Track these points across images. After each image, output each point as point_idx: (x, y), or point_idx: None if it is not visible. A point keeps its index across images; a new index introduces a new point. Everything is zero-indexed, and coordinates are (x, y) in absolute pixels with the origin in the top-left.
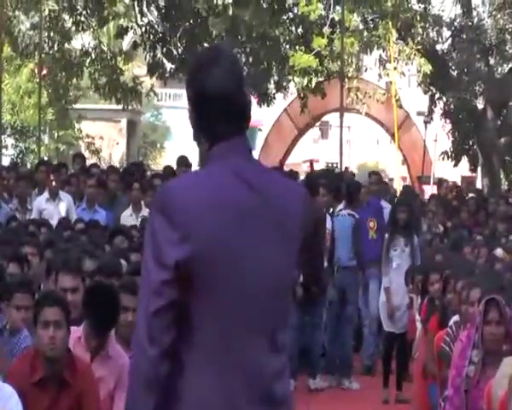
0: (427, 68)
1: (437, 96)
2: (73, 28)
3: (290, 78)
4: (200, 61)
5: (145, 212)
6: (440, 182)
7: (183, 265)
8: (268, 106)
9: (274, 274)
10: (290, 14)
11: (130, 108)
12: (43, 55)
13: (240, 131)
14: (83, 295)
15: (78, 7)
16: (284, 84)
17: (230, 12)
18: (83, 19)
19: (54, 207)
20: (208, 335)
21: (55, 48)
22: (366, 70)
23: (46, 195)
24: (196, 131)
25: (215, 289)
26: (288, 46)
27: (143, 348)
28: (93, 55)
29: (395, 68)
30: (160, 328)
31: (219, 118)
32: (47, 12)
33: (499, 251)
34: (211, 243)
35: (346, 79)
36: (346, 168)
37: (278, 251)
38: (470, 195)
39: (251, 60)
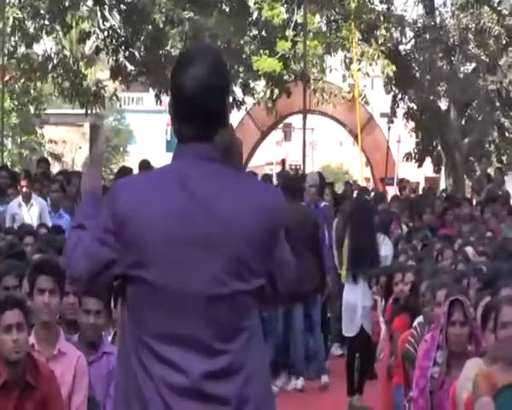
0: (391, 69)
1: (399, 96)
2: (37, 33)
3: (254, 84)
4: (180, 57)
5: None
6: (402, 183)
7: (116, 249)
8: (238, 110)
9: (206, 282)
10: (253, 18)
11: (93, 111)
12: (5, 61)
13: (204, 135)
14: None
15: (42, 12)
16: (251, 85)
17: (187, 26)
18: (47, 22)
19: (26, 212)
20: (135, 328)
21: (19, 52)
22: (331, 71)
23: (19, 199)
24: (172, 125)
25: (144, 286)
26: (251, 51)
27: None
28: (55, 61)
29: (359, 70)
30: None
31: (184, 119)
32: (11, 20)
33: (469, 249)
34: (139, 241)
35: (312, 81)
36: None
37: (213, 259)
38: (436, 195)
39: None
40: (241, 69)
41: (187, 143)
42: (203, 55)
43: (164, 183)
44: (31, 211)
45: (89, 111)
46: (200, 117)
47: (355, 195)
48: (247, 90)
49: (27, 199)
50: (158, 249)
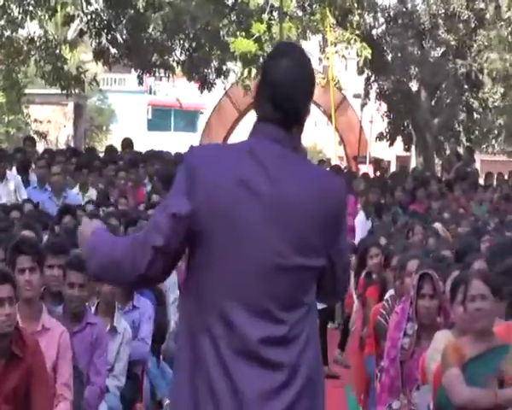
0: (367, 53)
1: (372, 78)
2: (22, 18)
3: (231, 65)
4: (276, 48)
5: (90, 192)
6: (377, 162)
7: (185, 218)
8: (209, 91)
9: (268, 252)
10: (230, 1)
11: (74, 93)
12: None
13: (281, 120)
14: None
15: None
16: (224, 69)
17: (167, 9)
18: (31, 8)
19: (2, 188)
20: (200, 293)
21: (5, 35)
22: None
23: None
24: (254, 103)
25: (212, 254)
26: (228, 34)
27: (149, 231)
28: (38, 44)
29: (336, 52)
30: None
31: (266, 99)
32: (1, 2)
33: (438, 225)
34: (210, 207)
35: None
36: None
37: (275, 231)
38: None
39: (194, 45)
40: (218, 52)
41: (265, 122)
42: (295, 52)
43: (237, 152)
44: (7, 187)
45: (69, 93)
46: (281, 101)
47: None
48: (219, 73)
49: (2, 176)
50: (223, 212)
